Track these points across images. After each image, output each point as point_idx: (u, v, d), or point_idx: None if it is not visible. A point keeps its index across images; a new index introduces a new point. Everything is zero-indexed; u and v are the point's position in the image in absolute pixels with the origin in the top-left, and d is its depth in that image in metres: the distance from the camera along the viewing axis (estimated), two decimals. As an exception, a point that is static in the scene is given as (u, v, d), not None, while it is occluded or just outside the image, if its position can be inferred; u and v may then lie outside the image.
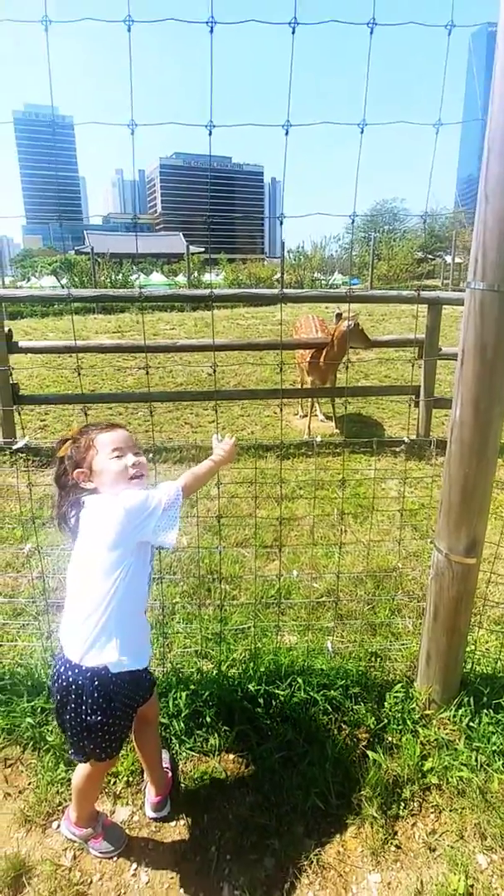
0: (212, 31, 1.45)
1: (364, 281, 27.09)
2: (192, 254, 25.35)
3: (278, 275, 23.85)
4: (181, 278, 28.72)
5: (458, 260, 24.02)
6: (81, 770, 1.51)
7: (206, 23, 1.45)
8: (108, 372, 6.59)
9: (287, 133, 1.54)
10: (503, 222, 1.45)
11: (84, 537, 1.43)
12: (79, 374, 1.85)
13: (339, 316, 4.61)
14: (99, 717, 1.34)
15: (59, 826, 1.64)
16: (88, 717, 1.34)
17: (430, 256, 34.20)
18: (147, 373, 2.02)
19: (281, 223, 1.78)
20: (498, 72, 1.38)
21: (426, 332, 4.49)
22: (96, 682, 1.33)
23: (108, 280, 20.46)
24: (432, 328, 4.46)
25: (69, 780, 1.75)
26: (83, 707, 1.34)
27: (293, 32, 1.46)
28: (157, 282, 27.64)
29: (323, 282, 26.27)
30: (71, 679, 1.34)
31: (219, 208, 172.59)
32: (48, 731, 1.85)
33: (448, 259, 26.33)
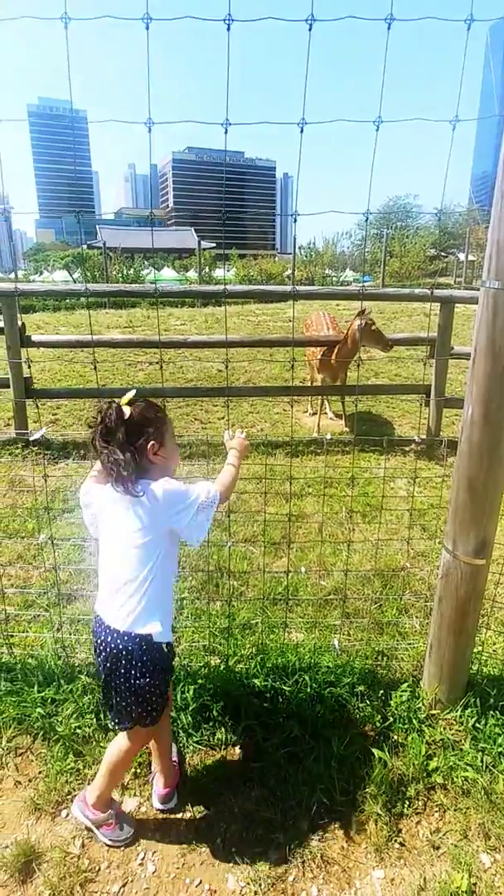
0: (229, 28, 1.45)
1: (376, 278, 26.94)
2: (204, 249, 25.32)
3: (289, 271, 23.76)
4: (192, 273, 28.74)
5: (471, 258, 23.82)
6: (117, 744, 1.57)
7: (224, 20, 1.45)
8: (119, 367, 6.62)
9: (302, 131, 1.54)
10: (519, 222, 1.44)
11: (123, 516, 1.46)
12: (95, 369, 1.86)
13: (360, 313, 4.59)
14: (148, 680, 1.44)
15: (68, 814, 1.66)
16: (138, 681, 1.43)
17: (443, 254, 33.95)
18: (161, 367, 2.03)
19: (295, 220, 1.78)
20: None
21: (438, 331, 4.46)
22: (144, 647, 1.43)
23: (120, 275, 20.53)
24: (444, 327, 4.43)
25: (78, 769, 1.78)
26: (133, 671, 1.43)
27: (310, 29, 1.46)
28: (167, 277, 27.68)
29: (334, 278, 26.20)
30: (121, 646, 1.42)
31: (231, 203, 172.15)
32: (58, 721, 1.88)
33: (461, 257, 26.11)
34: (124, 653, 1.42)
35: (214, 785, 1.77)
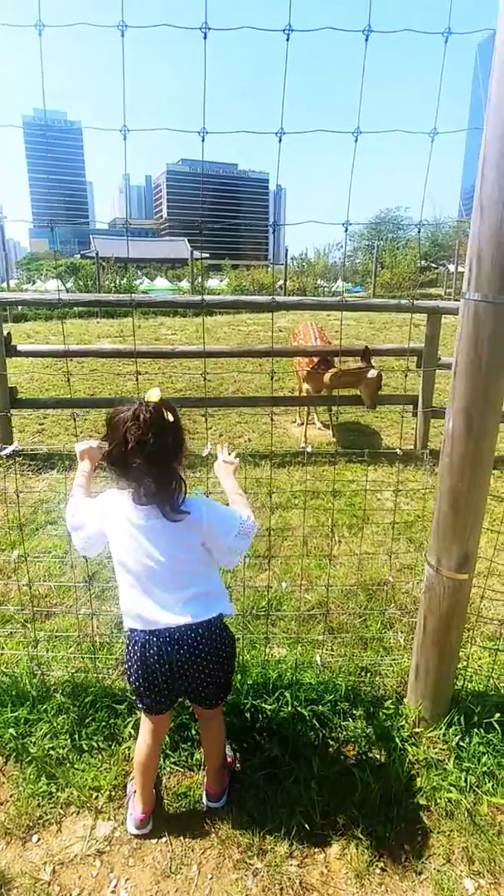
0: (205, 36, 1.44)
1: (367, 288, 27.13)
2: (196, 259, 25.43)
3: (281, 281, 23.89)
4: (185, 283, 28.83)
5: (461, 269, 24.07)
6: (144, 740, 1.59)
7: (200, 28, 1.44)
8: (107, 377, 6.58)
9: (280, 140, 1.53)
10: (498, 233, 1.43)
11: (158, 539, 1.39)
12: (68, 380, 1.83)
13: (366, 350, 4.63)
14: (229, 649, 1.52)
15: (39, 839, 1.60)
16: (225, 653, 1.50)
17: (433, 265, 34.29)
18: (137, 379, 2.00)
19: (274, 231, 1.78)
20: (494, 83, 1.36)
21: (425, 342, 4.46)
22: (219, 626, 1.49)
23: (113, 285, 20.53)
24: (431, 337, 4.44)
25: (51, 792, 1.72)
26: (219, 651, 1.47)
27: (287, 39, 1.45)
28: (161, 287, 27.75)
29: (326, 289, 26.33)
30: (197, 638, 1.43)
31: (223, 214, 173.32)
32: (31, 742, 1.82)
33: (451, 268, 26.38)
34: (204, 641, 1.43)
35: (191, 808, 1.72)
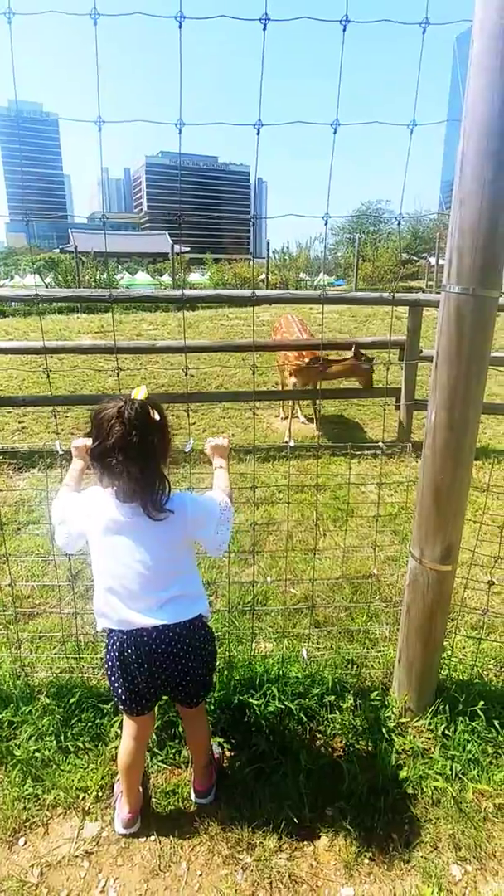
0: (181, 25, 1.42)
1: (349, 282, 27.18)
2: (178, 254, 25.22)
3: (263, 275, 23.82)
4: (166, 278, 28.58)
5: (441, 262, 24.22)
6: (127, 742, 1.57)
7: (175, 17, 1.41)
8: (88, 373, 6.50)
9: (258, 132, 1.51)
10: (477, 225, 1.43)
11: (142, 536, 1.38)
12: (48, 377, 1.80)
13: (358, 346, 4.68)
14: (210, 648, 1.53)
15: (25, 842, 1.59)
16: (206, 650, 1.51)
17: (414, 258, 34.45)
18: (118, 375, 1.97)
19: (255, 225, 1.75)
20: (471, 77, 1.36)
21: (407, 334, 4.48)
22: (199, 626, 1.49)
23: (93, 279, 20.29)
24: (413, 330, 4.45)
25: (37, 795, 1.70)
26: (200, 649, 1.48)
27: (264, 29, 1.43)
28: (142, 281, 27.47)
29: (308, 282, 26.32)
30: (177, 638, 1.43)
31: (204, 208, 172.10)
32: (16, 745, 1.79)
33: (432, 261, 26.55)
34: (184, 640, 1.44)
35: (180, 805, 1.71)
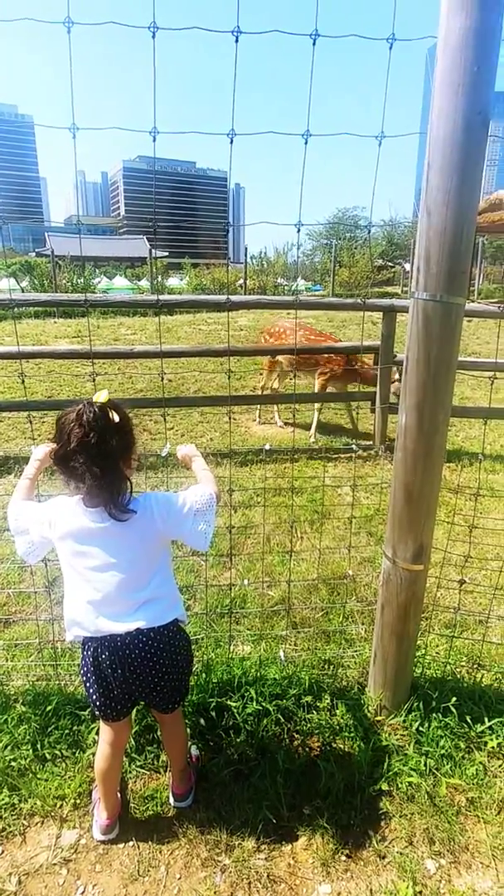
0: (154, 36, 1.44)
1: (326, 287, 27.44)
2: (156, 258, 25.16)
3: (241, 280, 23.91)
4: (144, 283, 28.47)
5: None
6: (103, 748, 1.56)
7: (149, 28, 1.44)
8: (66, 378, 6.45)
9: (232, 141, 1.54)
10: (443, 234, 1.48)
11: (111, 542, 1.38)
12: (22, 382, 1.79)
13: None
14: (185, 654, 1.53)
15: (3, 851, 1.57)
16: (180, 657, 1.50)
17: (389, 264, 34.97)
18: (94, 380, 1.97)
19: (230, 231, 1.78)
20: (436, 90, 1.41)
21: (381, 339, 4.56)
22: (174, 631, 1.48)
23: (70, 284, 20.11)
24: (387, 335, 4.54)
25: (13, 804, 1.68)
26: (175, 655, 1.48)
27: (237, 41, 1.46)
28: (120, 286, 27.32)
29: (286, 287, 26.49)
30: (152, 643, 1.43)
31: (182, 213, 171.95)
32: (-12, 753, 1.78)
33: (407, 267, 26.98)
34: (159, 645, 1.44)
35: (158, 809, 1.71)
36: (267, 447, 2.25)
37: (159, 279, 24.09)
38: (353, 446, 2.13)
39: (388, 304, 4.47)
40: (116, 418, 1.30)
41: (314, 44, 1.49)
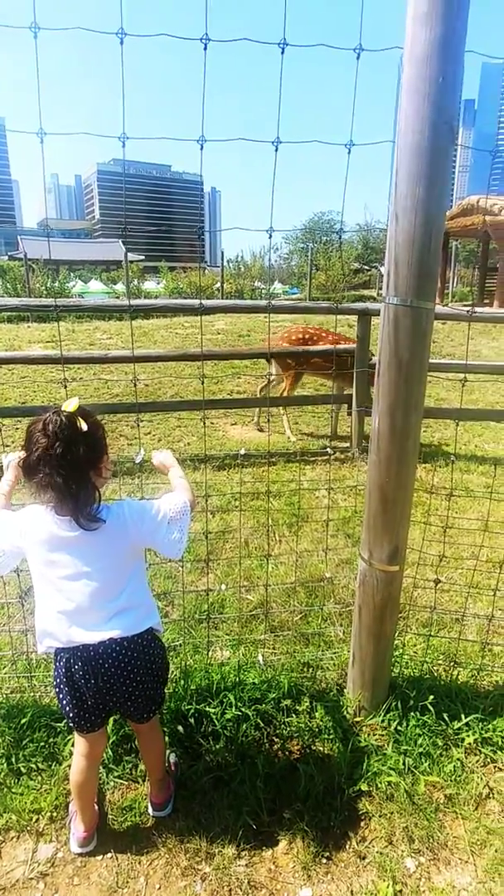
0: (122, 42, 1.43)
1: (303, 290, 27.63)
2: (132, 262, 25.01)
3: (218, 283, 23.93)
4: (120, 286, 28.25)
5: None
6: (78, 760, 1.54)
7: (116, 34, 1.43)
8: (40, 384, 6.36)
9: (202, 147, 1.54)
10: (411, 240, 1.51)
11: (83, 551, 1.36)
12: (-8, 390, 1.75)
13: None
14: (160, 661, 1.53)
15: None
16: (156, 664, 1.50)
17: (365, 267, 35.39)
18: (65, 386, 1.95)
19: (202, 237, 1.78)
20: (403, 99, 1.43)
21: (357, 342, 4.61)
22: (149, 639, 1.48)
23: (44, 287, 19.85)
24: (362, 338, 4.59)
25: (-7, 821, 1.64)
26: (149, 663, 1.47)
27: (205, 49, 1.46)
28: (95, 290, 27.06)
29: (263, 291, 26.60)
30: (126, 652, 1.42)
31: (157, 216, 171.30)
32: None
33: (383, 270, 27.34)
34: (133, 654, 1.42)
35: (137, 820, 1.69)
36: (242, 452, 2.25)
37: (136, 283, 23.94)
38: (329, 449, 2.15)
39: (363, 307, 4.52)
40: (84, 427, 1.28)
41: (282, 52, 1.50)
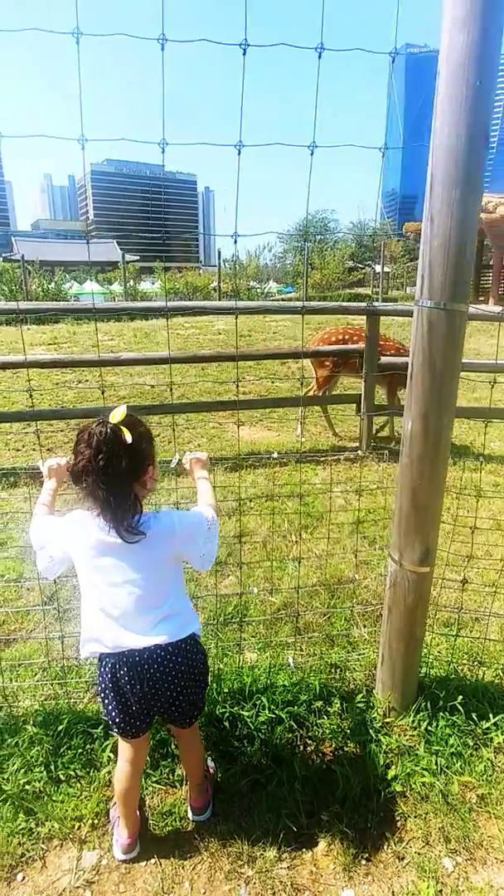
0: (77, 42, 1.42)
1: (299, 289, 27.63)
2: (128, 262, 24.98)
3: (215, 283, 23.89)
4: (116, 287, 28.17)
5: (386, 269, 25.00)
6: (123, 766, 1.55)
7: (72, 33, 1.42)
8: (46, 386, 6.34)
9: (163, 151, 1.53)
10: (447, 243, 1.51)
11: (128, 559, 1.38)
12: None
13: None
14: (202, 667, 1.53)
15: (24, 878, 1.53)
16: (199, 669, 1.50)
17: (359, 265, 35.44)
18: (31, 396, 1.94)
19: (202, 237, 1.77)
20: (439, 102, 1.44)
21: (366, 343, 4.61)
22: (191, 644, 1.48)
23: (41, 289, 19.80)
24: (371, 338, 4.59)
25: (31, 828, 1.65)
26: (193, 668, 1.47)
27: (163, 49, 1.45)
28: (90, 291, 26.97)
29: (258, 290, 26.58)
30: (171, 658, 1.42)
31: (152, 216, 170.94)
32: (4, 779, 1.73)
33: (377, 268, 27.38)
34: (177, 659, 1.43)
35: (178, 825, 1.70)
36: (275, 455, 2.25)
37: (132, 283, 23.86)
38: (345, 453, 2.17)
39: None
40: (129, 439, 1.28)
41: (244, 53, 1.45)
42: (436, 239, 1.52)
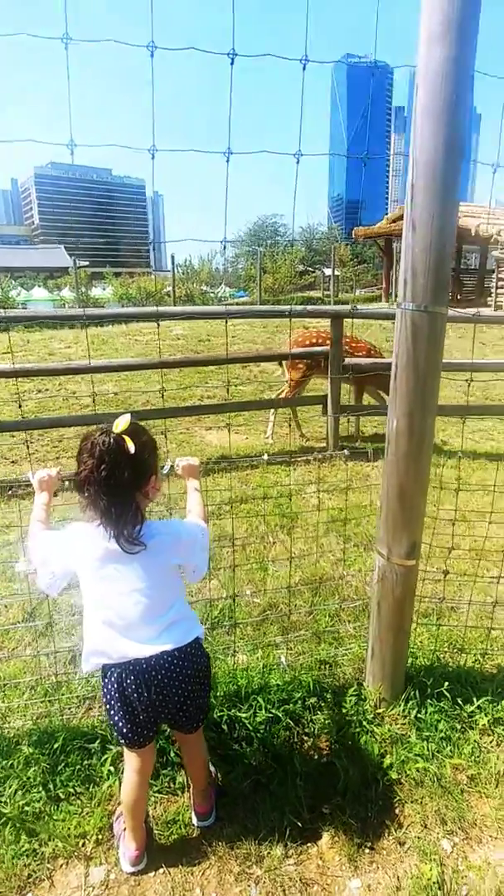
0: (66, 47, 1.43)
1: (252, 294, 27.80)
2: (79, 268, 24.48)
3: (167, 288, 23.73)
4: (66, 293, 27.57)
5: (336, 272, 25.50)
6: (130, 777, 1.53)
7: (61, 39, 1.42)
8: (3, 397, 6.14)
9: (153, 157, 1.56)
10: (429, 248, 1.58)
11: (129, 569, 1.37)
12: None
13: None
14: (207, 671, 1.53)
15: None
16: (203, 673, 1.50)
17: (310, 269, 36.04)
18: (20, 405, 1.91)
19: (153, 244, 1.79)
20: (417, 115, 1.51)
21: (331, 345, 4.71)
22: (195, 648, 1.48)
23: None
24: (336, 341, 4.69)
25: (34, 849, 1.60)
26: (199, 672, 1.48)
27: (152, 56, 1.47)
28: (39, 297, 26.29)
29: (211, 294, 26.60)
30: (177, 662, 1.42)
31: (100, 221, 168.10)
32: (2, 801, 1.68)
33: (327, 272, 27.92)
34: (184, 664, 1.43)
35: (183, 832, 1.69)
36: (265, 457, 2.27)
37: (83, 289, 23.41)
38: (346, 451, 2.21)
39: (334, 310, 4.63)
40: (132, 449, 1.27)
41: (232, 63, 1.48)
42: (417, 245, 1.59)
